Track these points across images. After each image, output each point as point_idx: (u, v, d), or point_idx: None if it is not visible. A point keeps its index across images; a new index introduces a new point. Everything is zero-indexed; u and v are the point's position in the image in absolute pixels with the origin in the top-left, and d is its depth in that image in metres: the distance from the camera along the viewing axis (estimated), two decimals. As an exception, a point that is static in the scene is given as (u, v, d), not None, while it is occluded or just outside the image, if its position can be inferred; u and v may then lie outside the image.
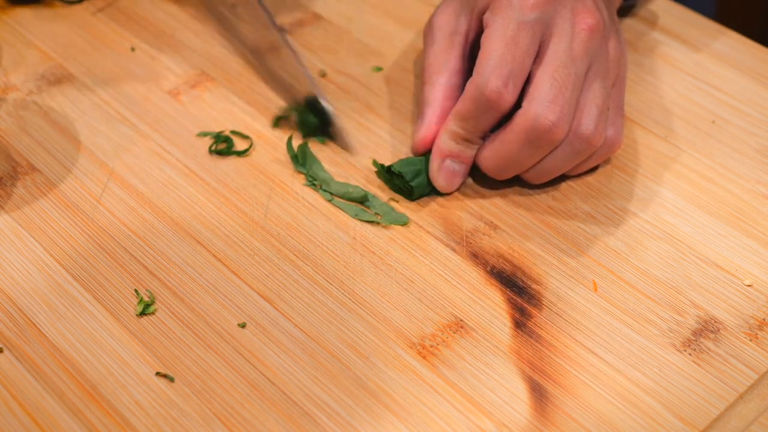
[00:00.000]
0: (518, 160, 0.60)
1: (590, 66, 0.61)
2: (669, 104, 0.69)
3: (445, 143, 0.62)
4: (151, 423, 0.51)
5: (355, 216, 0.61)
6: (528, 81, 0.60)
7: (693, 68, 0.72)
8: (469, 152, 0.62)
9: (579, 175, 0.64)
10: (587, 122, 0.59)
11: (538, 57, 0.60)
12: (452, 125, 0.61)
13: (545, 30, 0.60)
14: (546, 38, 0.60)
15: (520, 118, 0.59)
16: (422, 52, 0.72)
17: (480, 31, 0.64)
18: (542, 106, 0.58)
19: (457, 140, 0.61)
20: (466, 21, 0.64)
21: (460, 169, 0.62)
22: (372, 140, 0.66)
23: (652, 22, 0.75)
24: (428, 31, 0.66)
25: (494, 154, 0.61)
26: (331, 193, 0.62)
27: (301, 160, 0.64)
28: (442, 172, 0.62)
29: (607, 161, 0.65)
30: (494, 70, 0.59)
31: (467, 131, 0.61)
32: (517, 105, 0.60)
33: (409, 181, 0.62)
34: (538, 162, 0.61)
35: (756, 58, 0.72)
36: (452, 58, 0.64)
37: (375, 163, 0.64)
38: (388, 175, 0.63)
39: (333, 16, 0.75)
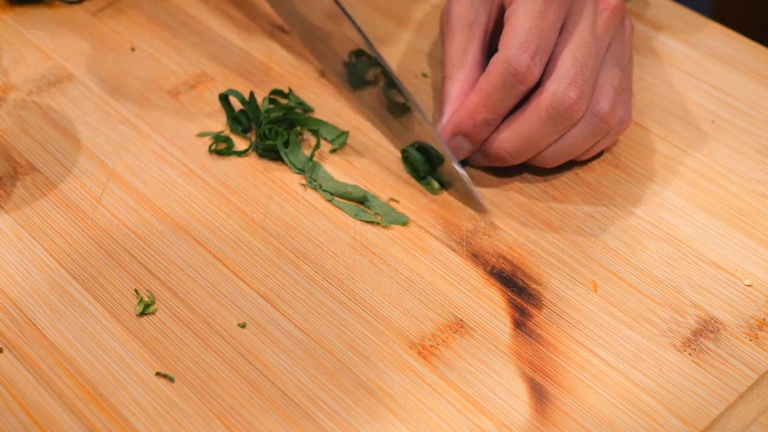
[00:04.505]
0: (536, 140, 0.60)
1: (609, 46, 0.62)
2: (669, 104, 0.69)
3: (463, 120, 0.61)
4: (151, 423, 0.51)
5: (355, 216, 0.61)
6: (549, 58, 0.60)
7: (693, 68, 0.72)
8: (483, 135, 0.62)
9: (579, 175, 0.64)
10: (604, 102, 0.60)
11: (560, 34, 0.61)
12: (475, 101, 0.61)
13: (570, 6, 0.60)
14: (569, 16, 0.61)
15: (541, 96, 0.59)
16: (425, 50, 0.72)
17: (499, 19, 0.64)
18: (563, 84, 0.59)
19: (477, 119, 0.61)
20: (485, 11, 0.64)
21: (468, 147, 0.62)
22: (372, 140, 0.66)
23: (652, 22, 0.75)
24: (446, 24, 0.65)
25: (513, 135, 0.61)
26: (331, 193, 0.62)
27: (297, 162, 0.64)
28: (450, 145, 0.62)
29: (607, 161, 0.65)
30: (522, 44, 0.59)
31: (490, 108, 0.60)
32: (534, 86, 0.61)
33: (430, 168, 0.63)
34: (553, 143, 0.61)
35: (756, 58, 0.72)
36: (471, 51, 0.64)
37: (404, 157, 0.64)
38: (417, 153, 0.63)
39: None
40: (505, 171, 0.64)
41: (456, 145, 0.62)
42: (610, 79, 0.61)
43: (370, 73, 0.65)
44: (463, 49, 0.64)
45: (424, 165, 0.63)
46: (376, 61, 0.64)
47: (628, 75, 0.64)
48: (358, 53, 0.66)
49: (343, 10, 0.64)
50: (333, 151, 0.65)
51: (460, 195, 0.62)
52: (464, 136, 0.62)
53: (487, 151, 0.62)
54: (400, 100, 0.64)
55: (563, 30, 0.61)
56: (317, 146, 0.65)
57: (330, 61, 0.68)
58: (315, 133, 0.66)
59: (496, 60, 0.60)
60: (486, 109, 0.60)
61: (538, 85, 0.61)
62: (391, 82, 0.64)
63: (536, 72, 0.59)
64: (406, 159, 0.64)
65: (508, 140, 0.61)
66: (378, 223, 0.61)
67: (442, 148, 0.61)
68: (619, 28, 0.63)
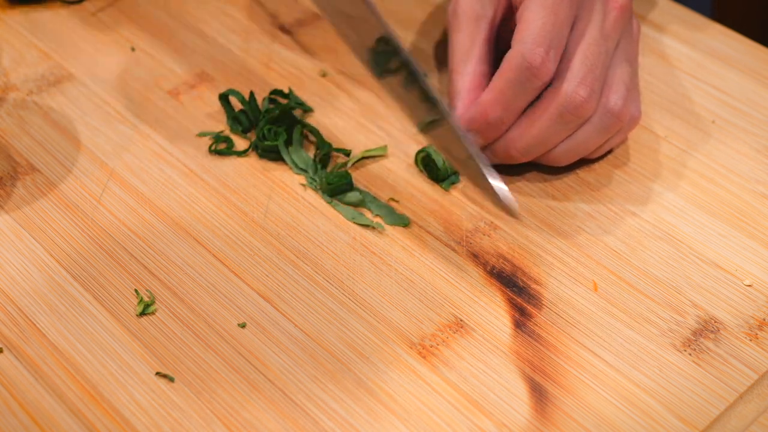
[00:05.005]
0: (546, 138, 0.60)
1: (618, 44, 0.62)
2: (669, 104, 0.69)
3: (476, 117, 0.61)
4: (151, 423, 0.51)
5: (352, 219, 0.61)
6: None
7: (693, 68, 0.72)
8: (496, 133, 0.61)
9: (579, 175, 0.64)
10: (616, 98, 0.60)
11: (570, 32, 0.61)
12: (489, 98, 0.60)
13: (579, 4, 0.61)
14: (580, 13, 0.61)
15: (551, 94, 0.59)
16: (427, 51, 0.72)
17: (507, 16, 0.64)
18: (573, 83, 0.59)
19: (490, 117, 0.61)
20: (492, 5, 0.64)
21: (478, 144, 0.62)
22: (372, 140, 0.66)
23: (653, 23, 0.75)
24: (453, 16, 0.65)
25: (523, 133, 0.61)
26: (330, 196, 0.62)
27: (299, 162, 0.64)
28: None
29: (607, 161, 0.65)
30: (536, 38, 0.59)
31: (504, 106, 0.60)
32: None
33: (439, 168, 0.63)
34: (565, 140, 0.61)
35: (756, 58, 0.72)
36: (479, 44, 0.64)
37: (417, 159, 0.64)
38: (438, 155, 0.63)
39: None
40: (505, 170, 0.64)
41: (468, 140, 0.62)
42: (621, 75, 0.61)
43: (393, 63, 0.63)
44: (470, 42, 0.64)
45: (445, 168, 0.63)
46: (397, 51, 0.63)
47: (636, 73, 0.64)
48: (384, 40, 0.64)
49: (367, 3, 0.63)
50: (326, 154, 0.64)
51: (488, 195, 0.58)
52: (476, 133, 0.62)
53: (497, 149, 0.62)
54: (423, 92, 0.62)
55: (573, 28, 0.61)
56: (318, 146, 0.65)
57: (357, 46, 0.67)
58: (315, 133, 0.66)
59: (511, 56, 0.59)
60: (500, 106, 0.60)
61: (548, 85, 0.61)
62: (412, 76, 0.62)
63: (551, 67, 0.59)
64: (423, 160, 0.64)
65: (518, 138, 0.61)
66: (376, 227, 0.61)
67: (470, 147, 0.58)
68: (627, 27, 0.63)
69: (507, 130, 0.61)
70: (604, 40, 0.61)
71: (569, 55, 0.60)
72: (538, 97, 0.61)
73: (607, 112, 0.60)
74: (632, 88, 0.62)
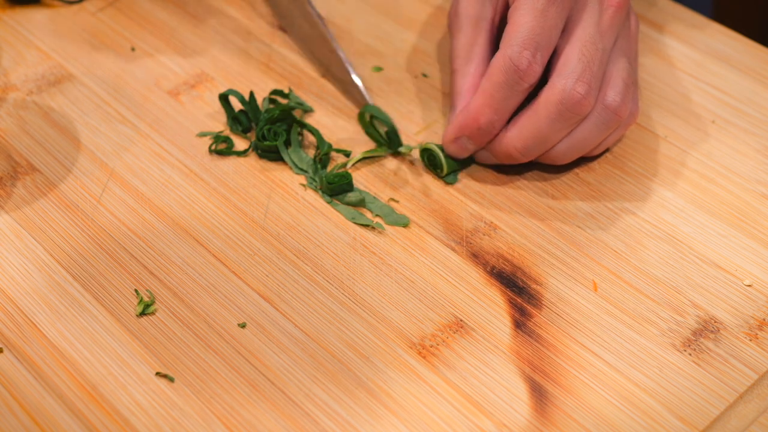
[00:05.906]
0: (546, 136, 0.61)
1: (615, 41, 0.62)
2: (669, 104, 0.69)
3: (467, 122, 0.61)
4: (151, 423, 0.51)
5: (352, 219, 0.61)
6: (554, 55, 0.61)
7: (693, 68, 0.72)
8: (487, 137, 0.62)
9: (579, 175, 0.64)
10: (613, 94, 0.60)
11: (565, 31, 0.61)
12: (479, 103, 0.61)
13: (574, 4, 0.61)
14: (575, 12, 0.61)
15: (549, 92, 0.60)
16: (426, 50, 0.73)
17: (506, 15, 0.64)
18: (571, 80, 0.59)
19: (481, 121, 0.61)
20: (491, 6, 0.65)
21: (471, 148, 0.63)
22: (372, 141, 0.66)
23: (652, 23, 0.75)
24: (454, 19, 0.66)
25: (522, 132, 0.61)
26: (330, 196, 0.62)
27: (299, 162, 0.64)
28: (454, 146, 0.63)
29: (607, 161, 0.65)
30: (523, 41, 0.59)
31: (494, 109, 0.61)
32: (540, 83, 0.61)
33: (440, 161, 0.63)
34: (564, 138, 0.61)
35: (756, 58, 0.72)
36: (479, 45, 0.64)
37: (420, 151, 0.65)
38: (440, 150, 0.63)
39: (333, 16, 0.75)
40: (505, 170, 0.64)
41: (460, 145, 0.62)
42: (618, 71, 0.61)
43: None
44: (471, 43, 0.64)
45: (451, 163, 0.63)
46: None
47: (635, 69, 0.64)
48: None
49: None
50: (326, 154, 0.64)
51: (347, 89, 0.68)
52: (468, 137, 0.62)
53: (497, 149, 0.62)
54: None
55: (567, 28, 0.61)
56: (318, 147, 0.65)
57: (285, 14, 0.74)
58: (315, 133, 0.66)
59: (498, 58, 0.60)
60: (490, 110, 0.61)
61: (544, 84, 0.61)
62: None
63: (537, 69, 0.59)
64: (425, 153, 0.64)
65: (517, 138, 0.61)
66: (376, 227, 0.61)
67: (332, 41, 0.68)
68: (625, 23, 0.63)
69: (504, 131, 0.61)
70: (600, 37, 0.61)
71: (565, 53, 0.60)
72: (534, 96, 0.61)
73: (605, 108, 0.60)
74: (630, 84, 0.62)
